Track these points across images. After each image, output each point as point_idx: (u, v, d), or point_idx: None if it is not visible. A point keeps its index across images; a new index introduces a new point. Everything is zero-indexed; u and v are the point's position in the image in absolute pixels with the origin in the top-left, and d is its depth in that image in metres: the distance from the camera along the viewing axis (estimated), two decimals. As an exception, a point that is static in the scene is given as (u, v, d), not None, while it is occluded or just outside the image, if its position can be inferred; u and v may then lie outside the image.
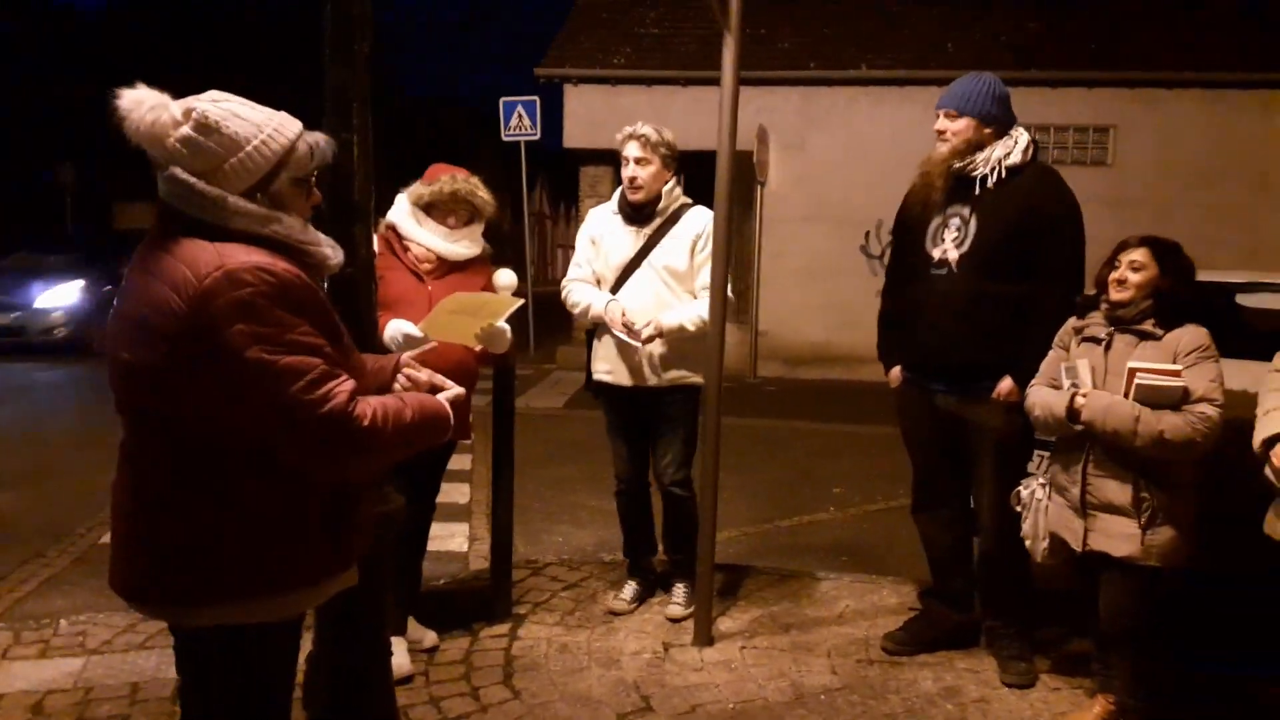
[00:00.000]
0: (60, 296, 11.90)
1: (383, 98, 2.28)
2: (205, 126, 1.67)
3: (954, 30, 12.64)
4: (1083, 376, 2.89)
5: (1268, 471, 2.58)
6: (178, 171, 1.68)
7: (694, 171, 7.63)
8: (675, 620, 3.75)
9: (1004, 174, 3.25)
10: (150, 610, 1.84)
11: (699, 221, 3.69)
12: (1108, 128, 11.96)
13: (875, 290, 3.74)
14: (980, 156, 3.27)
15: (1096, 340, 2.94)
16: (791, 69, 12.28)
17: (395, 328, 3.07)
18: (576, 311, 3.81)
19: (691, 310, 3.61)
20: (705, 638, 3.59)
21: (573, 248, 4.00)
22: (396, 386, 2.02)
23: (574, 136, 12.64)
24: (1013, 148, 3.28)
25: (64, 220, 19.80)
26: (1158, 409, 2.71)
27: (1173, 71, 11.73)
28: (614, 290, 3.72)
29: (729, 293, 3.55)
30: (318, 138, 1.83)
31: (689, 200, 3.79)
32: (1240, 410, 2.83)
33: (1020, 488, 3.15)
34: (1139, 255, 2.88)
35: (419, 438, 1.85)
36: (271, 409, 1.63)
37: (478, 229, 3.43)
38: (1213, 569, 3.29)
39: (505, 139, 12.54)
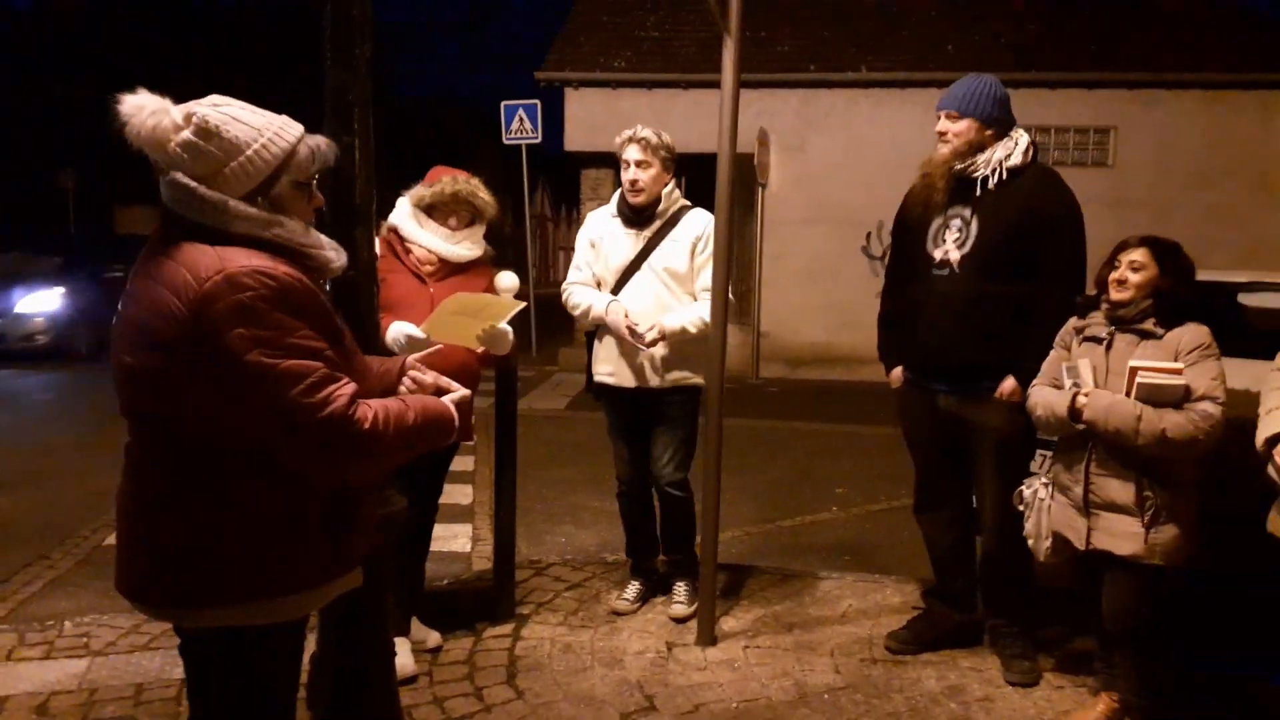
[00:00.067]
0: (41, 302, 11.62)
1: (382, 99, 2.29)
2: (206, 131, 1.68)
3: (954, 32, 12.65)
4: (1084, 376, 2.89)
5: (1270, 470, 2.59)
6: (179, 176, 1.69)
7: (695, 174, 7.63)
8: (679, 620, 3.75)
9: (1005, 175, 3.26)
10: (153, 611, 1.85)
11: (699, 224, 3.70)
12: (1108, 129, 11.97)
13: (876, 291, 3.74)
14: (981, 158, 3.28)
15: (1097, 340, 2.95)
16: (791, 71, 12.30)
17: (397, 330, 3.08)
18: (577, 313, 3.82)
19: (693, 312, 3.62)
20: (708, 637, 3.59)
21: (574, 250, 4.01)
22: (402, 389, 2.03)
23: (575, 140, 12.67)
24: (1013, 149, 3.28)
25: (66, 223, 19.83)
26: (1160, 407, 2.71)
27: (1173, 72, 11.74)
28: (614, 293, 3.72)
29: (729, 294, 3.56)
30: (319, 141, 1.83)
31: (688, 202, 3.80)
32: (1242, 409, 2.83)
33: (1023, 487, 3.15)
34: (1139, 255, 2.88)
35: (422, 440, 1.85)
36: (272, 412, 1.64)
37: (479, 231, 3.44)
38: (1215, 568, 3.30)
39: (506, 142, 12.56)
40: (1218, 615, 3.63)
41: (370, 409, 1.72)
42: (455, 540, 5.12)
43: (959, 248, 3.30)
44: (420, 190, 3.36)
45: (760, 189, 12.07)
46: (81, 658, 3.45)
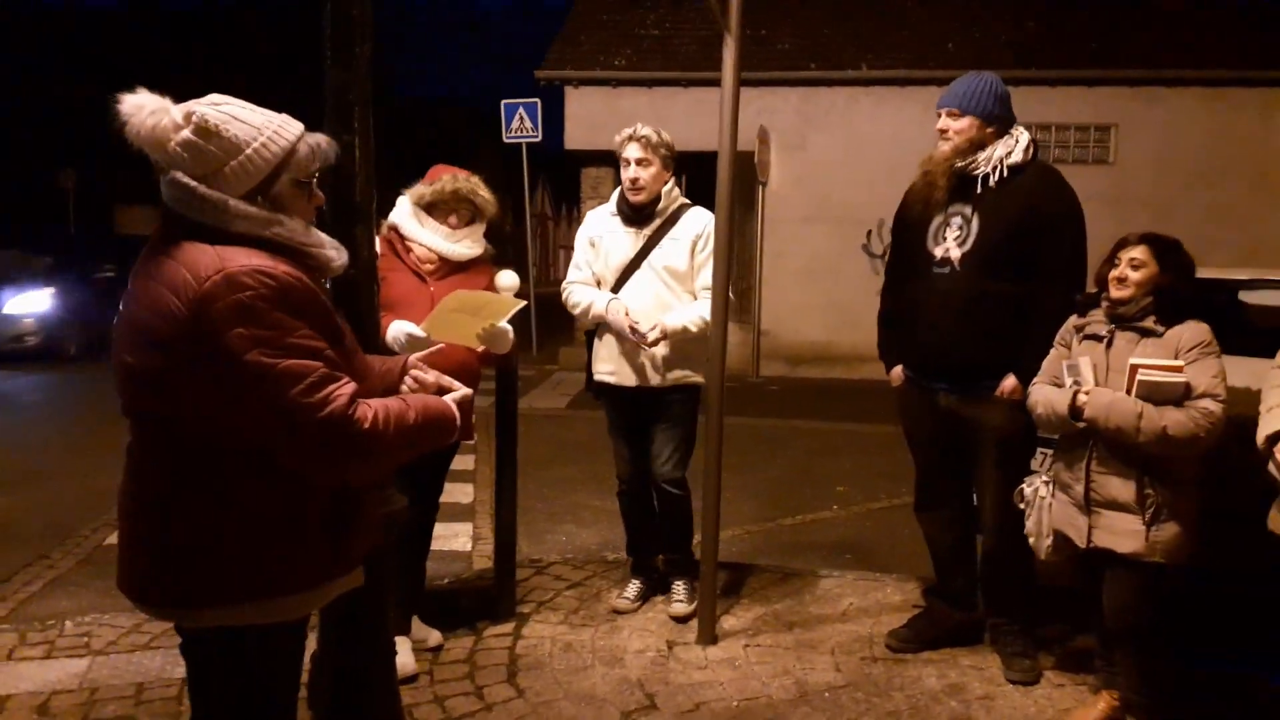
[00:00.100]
0: (30, 303, 11.42)
1: (382, 99, 2.29)
2: (205, 130, 1.68)
3: (954, 30, 12.64)
4: (1085, 374, 2.89)
5: (1271, 468, 2.59)
6: (179, 175, 1.69)
7: (695, 173, 7.61)
8: (679, 618, 3.75)
9: (1005, 173, 3.26)
10: (153, 611, 1.85)
11: (698, 222, 3.70)
12: (1109, 126, 11.96)
13: (876, 290, 3.74)
14: (982, 156, 3.28)
15: (1098, 338, 2.95)
16: (792, 69, 12.29)
17: (398, 328, 3.08)
18: (577, 312, 3.82)
19: (694, 311, 3.62)
20: (709, 636, 3.59)
21: (574, 249, 4.00)
22: (403, 388, 2.03)
23: (575, 138, 12.66)
24: (1014, 147, 3.28)
25: (66, 223, 19.82)
26: (1160, 405, 2.71)
27: (1173, 70, 11.73)
28: (614, 291, 3.72)
29: (729, 293, 3.56)
30: (319, 139, 1.83)
31: (687, 201, 3.80)
32: (1243, 407, 2.83)
33: (1023, 485, 3.15)
34: (1139, 253, 2.88)
35: (423, 440, 1.84)
36: (271, 412, 1.63)
37: (479, 229, 3.44)
38: (1216, 566, 3.30)
39: (507, 141, 12.56)
40: (1218, 613, 3.63)
41: (370, 408, 1.72)
42: (456, 539, 5.12)
43: (960, 245, 3.29)
44: (420, 188, 3.36)
45: (761, 187, 12.07)
46: (82, 657, 3.46)
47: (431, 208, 3.34)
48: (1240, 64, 11.70)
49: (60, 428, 7.86)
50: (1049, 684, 3.30)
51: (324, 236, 1.86)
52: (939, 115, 3.36)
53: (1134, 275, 2.87)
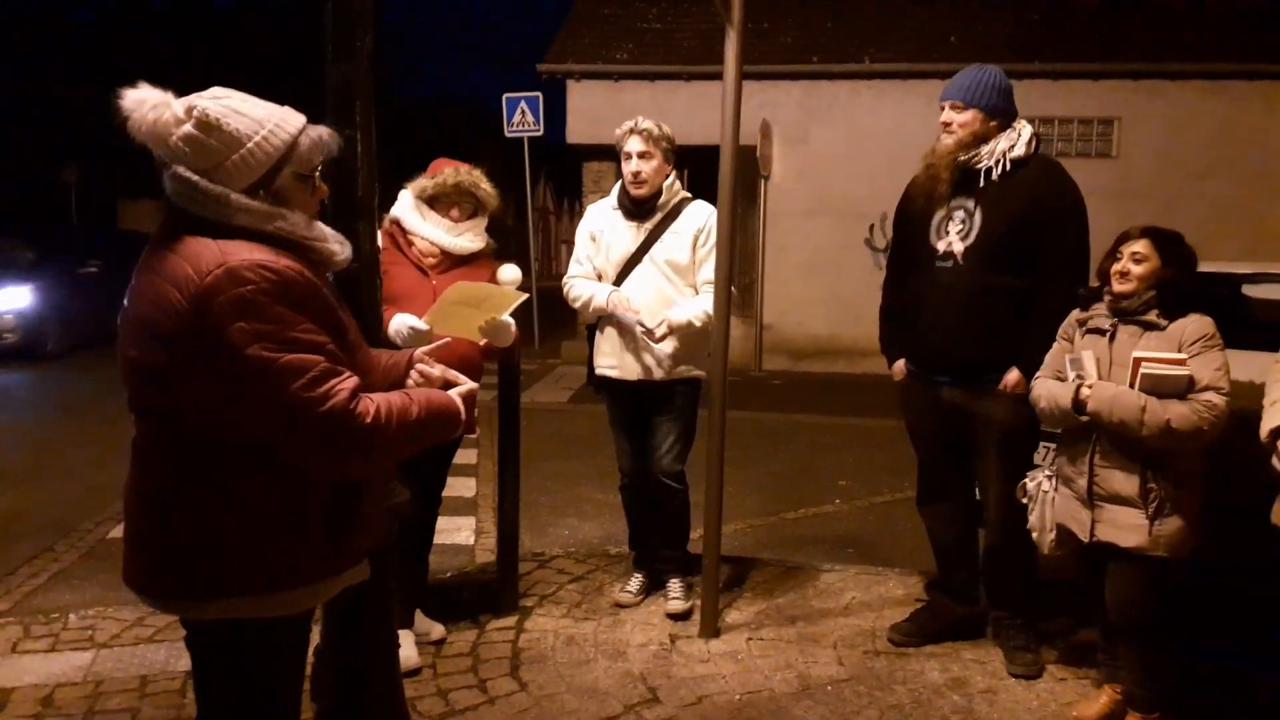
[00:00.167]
0: (9, 299, 10.93)
1: (382, 98, 2.28)
2: (206, 124, 1.68)
3: (956, 23, 12.60)
4: (1088, 368, 2.89)
5: (1275, 461, 2.59)
6: (181, 170, 1.68)
7: (697, 166, 7.60)
8: (676, 615, 3.73)
9: (1008, 167, 3.25)
10: (157, 604, 1.85)
11: (700, 216, 3.69)
12: (1112, 120, 11.92)
13: (879, 284, 3.73)
14: (985, 149, 3.27)
15: (1100, 332, 2.94)
16: (794, 63, 12.26)
17: (400, 322, 3.08)
18: (578, 306, 3.81)
19: (698, 305, 3.61)
20: (711, 629, 3.60)
21: (575, 243, 4.00)
22: (409, 383, 2.03)
23: (577, 132, 12.63)
24: (1016, 140, 3.28)
25: (70, 219, 19.83)
26: (1164, 398, 2.71)
27: (1177, 63, 11.68)
28: (615, 286, 3.71)
29: (732, 287, 3.55)
30: (321, 132, 1.82)
31: (689, 194, 3.79)
32: (1246, 401, 2.83)
33: (1026, 480, 3.15)
34: (1140, 247, 2.87)
35: (427, 434, 1.84)
36: (272, 407, 1.63)
37: (481, 223, 3.44)
38: (1219, 560, 3.30)
39: (508, 135, 12.53)
40: (1221, 608, 3.63)
41: (372, 403, 1.72)
42: (458, 533, 5.13)
43: (963, 239, 3.29)
44: (423, 182, 3.36)
45: (763, 181, 12.05)
46: (86, 650, 3.47)
47: (433, 201, 3.34)
48: (1243, 58, 11.66)
49: (55, 424, 7.87)
50: (1051, 678, 3.30)
51: (327, 230, 1.86)
52: (942, 108, 3.35)
53: (1136, 269, 2.86)
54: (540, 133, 12.51)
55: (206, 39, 24.63)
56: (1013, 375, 3.24)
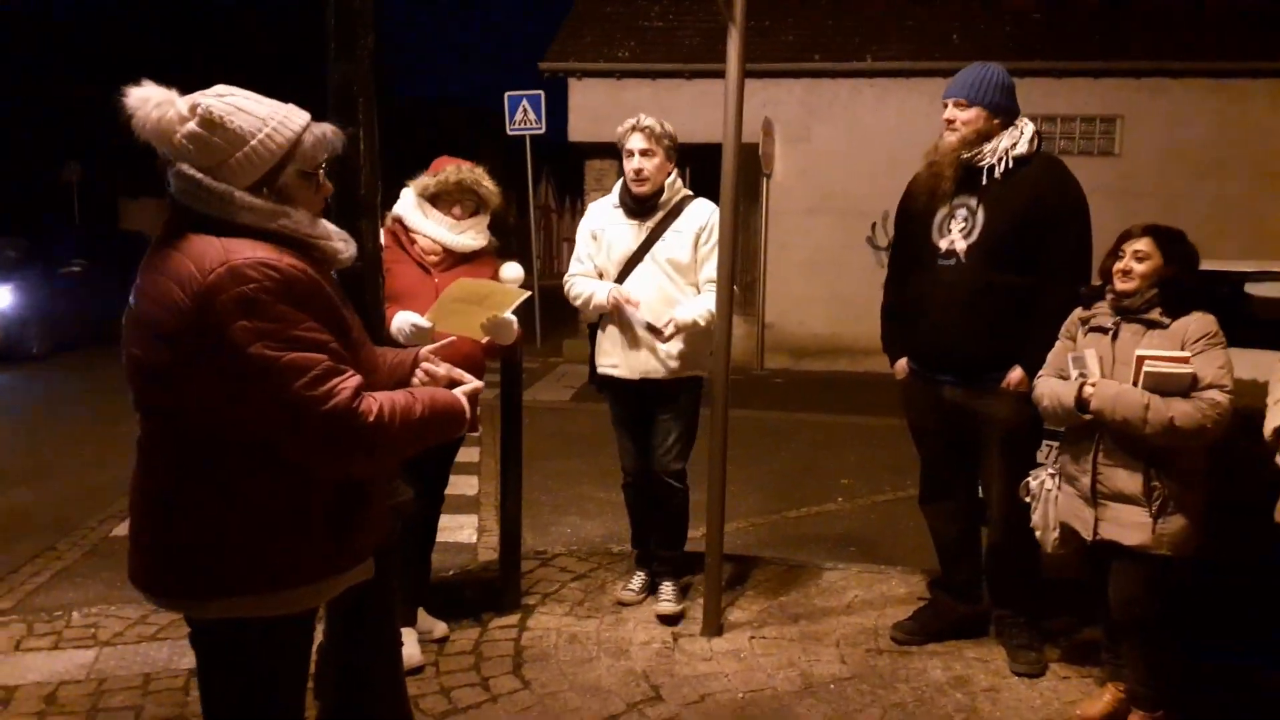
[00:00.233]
0: None
1: (383, 97, 2.29)
2: (210, 122, 1.67)
3: (958, 21, 12.58)
4: (1090, 366, 2.88)
5: (1279, 460, 2.58)
6: (185, 167, 1.68)
7: (699, 165, 7.58)
8: (666, 618, 3.69)
9: (1011, 165, 3.25)
10: (161, 602, 1.85)
11: (701, 214, 3.69)
12: (1114, 118, 11.90)
13: (881, 282, 3.72)
14: (988, 147, 3.27)
15: (1103, 330, 2.94)
16: (796, 60, 12.25)
17: (402, 319, 3.08)
18: (579, 303, 3.81)
19: (703, 305, 3.61)
20: (714, 628, 3.60)
21: (575, 241, 3.99)
22: (415, 381, 2.02)
23: (579, 130, 12.63)
24: (1019, 138, 3.27)
25: (71, 218, 19.83)
26: (1167, 396, 2.70)
27: (1179, 61, 11.66)
28: (617, 284, 3.71)
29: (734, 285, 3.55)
30: (325, 129, 1.81)
31: (690, 192, 3.78)
32: (1249, 399, 2.83)
33: (1029, 478, 3.15)
34: (1143, 245, 2.87)
35: (431, 433, 1.84)
36: (275, 405, 1.63)
37: (483, 221, 3.44)
38: (1222, 558, 3.29)
39: (511, 133, 12.53)
40: (1225, 606, 3.63)
41: (375, 401, 1.71)
42: (461, 531, 5.13)
43: (965, 237, 3.28)
44: (425, 179, 3.37)
45: (765, 179, 12.04)
46: (90, 648, 3.47)
47: (436, 199, 3.34)
48: (1246, 55, 11.64)
49: (52, 425, 7.86)
50: (1054, 676, 3.30)
51: (331, 228, 1.85)
52: (945, 106, 3.34)
53: (1138, 267, 2.86)
54: (542, 131, 12.50)
55: (206, 39, 24.62)
56: (1015, 374, 3.23)
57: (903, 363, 3.57)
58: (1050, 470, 3.09)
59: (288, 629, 1.83)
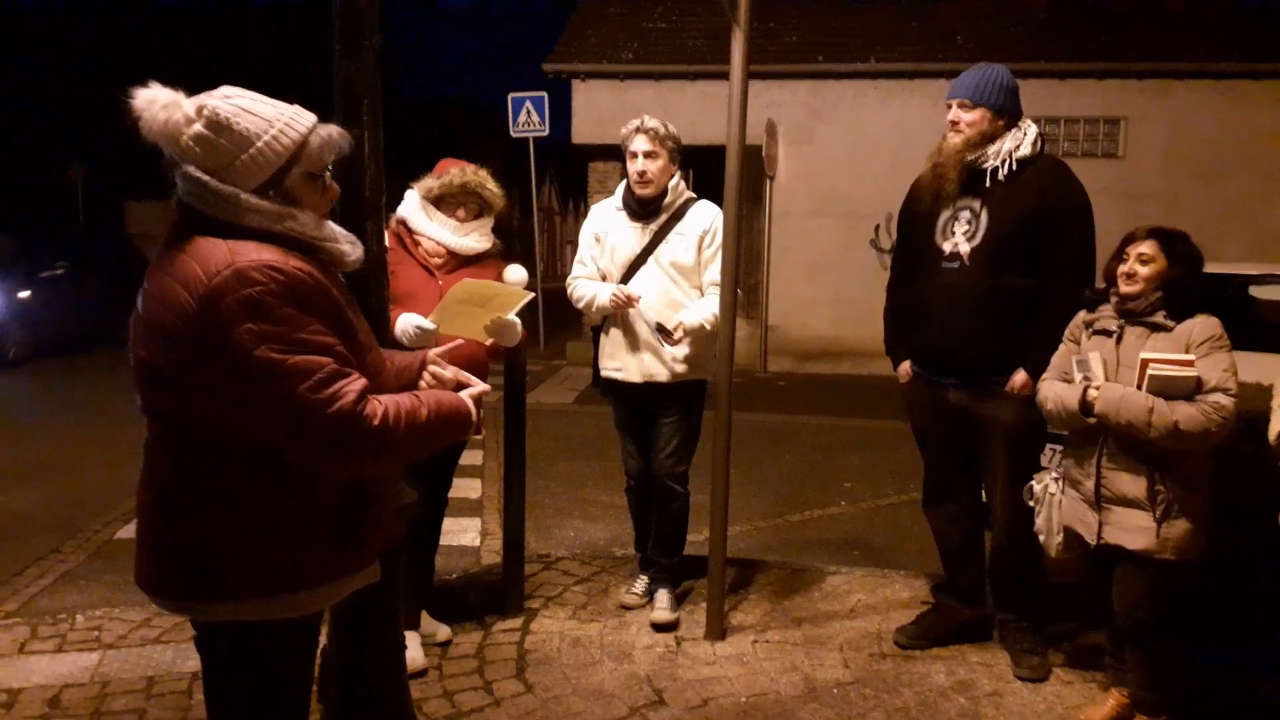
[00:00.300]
0: None
1: (386, 98, 2.29)
2: (216, 124, 1.67)
3: (963, 22, 12.59)
4: (1094, 369, 2.88)
5: (1282, 464, 2.57)
6: (192, 169, 1.68)
7: (702, 166, 7.56)
8: (661, 626, 3.65)
9: (1014, 167, 3.24)
10: (166, 604, 1.85)
11: (705, 217, 3.68)
12: (1118, 119, 11.90)
13: (884, 284, 3.72)
14: (991, 149, 3.26)
15: (1107, 333, 2.93)
16: (799, 62, 12.25)
17: (406, 321, 3.08)
18: (582, 306, 3.80)
19: (707, 308, 3.60)
20: (717, 631, 3.59)
21: (579, 244, 3.98)
22: (421, 384, 2.02)
23: (582, 132, 12.64)
24: (1022, 140, 3.27)
25: (76, 219, 19.88)
26: (1171, 400, 2.70)
27: (1184, 62, 11.66)
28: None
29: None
30: (331, 130, 1.81)
31: (694, 195, 3.78)
32: (1254, 403, 2.82)
33: (1033, 482, 3.14)
34: (1147, 248, 2.86)
35: (438, 435, 1.83)
36: (279, 408, 1.63)
37: (487, 223, 3.44)
38: (1227, 562, 3.28)
39: (514, 135, 12.54)
40: (1229, 610, 3.62)
41: (380, 405, 1.71)
42: (464, 534, 5.13)
43: (969, 240, 3.28)
44: (429, 182, 3.37)
45: (768, 181, 12.04)
46: (93, 651, 3.47)
47: (439, 201, 3.35)
48: (1250, 57, 11.63)
49: (51, 426, 7.87)
50: (1058, 681, 3.29)
51: (338, 230, 1.85)
52: (949, 107, 3.33)
53: (1143, 270, 2.85)
54: (545, 133, 12.51)
55: (206, 39, 24.66)
56: (1019, 377, 3.23)
57: (906, 366, 3.57)
58: (1054, 474, 3.08)
59: (293, 632, 1.83)
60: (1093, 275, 3.21)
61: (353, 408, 1.66)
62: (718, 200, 3.63)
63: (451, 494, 3.59)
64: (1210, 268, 2.96)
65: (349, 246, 1.85)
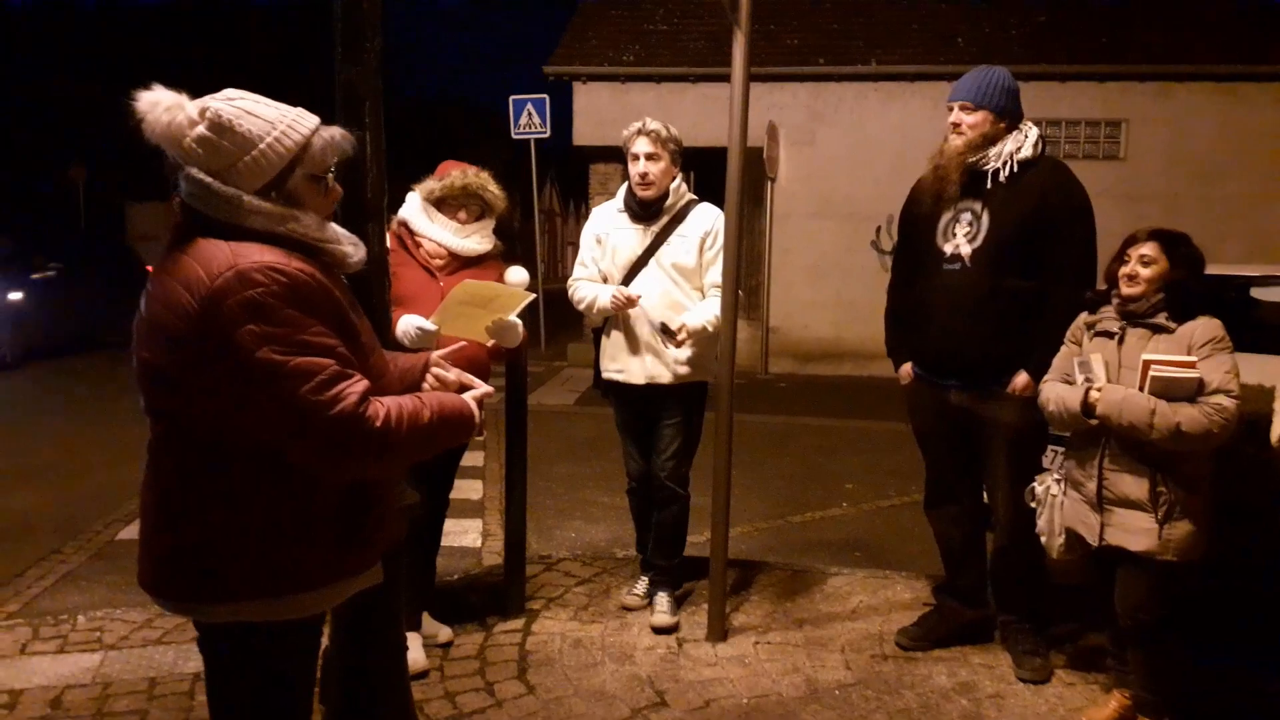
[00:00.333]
0: None
1: (386, 99, 2.29)
2: (219, 126, 1.68)
3: (963, 24, 12.59)
4: (1096, 371, 2.88)
5: (1284, 465, 2.57)
6: (194, 171, 1.68)
7: (703, 168, 7.57)
8: (660, 629, 3.65)
9: (1015, 169, 3.24)
10: (169, 605, 1.85)
11: (707, 219, 3.68)
12: (1119, 121, 11.90)
13: (885, 286, 3.72)
14: (993, 151, 3.26)
15: (1109, 335, 2.93)
16: (800, 64, 12.26)
17: (408, 322, 3.08)
18: (583, 308, 3.80)
19: (710, 310, 3.60)
20: (719, 633, 3.59)
21: (580, 245, 3.98)
22: (425, 387, 2.02)
23: (583, 134, 12.65)
24: (1023, 142, 3.27)
25: (78, 221, 19.89)
26: (1173, 401, 2.70)
27: (1184, 65, 11.66)
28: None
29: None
30: (334, 133, 1.81)
31: (695, 197, 3.78)
32: (1255, 405, 2.82)
33: (1035, 484, 3.14)
34: (1148, 250, 2.86)
35: (440, 437, 1.83)
36: (281, 410, 1.63)
37: (488, 225, 3.44)
38: (1229, 563, 3.28)
39: (515, 136, 12.56)
40: (1231, 611, 3.61)
41: (382, 407, 1.71)
42: (466, 535, 5.13)
43: (970, 242, 3.28)
44: (430, 184, 3.37)
45: (769, 183, 12.05)
46: (95, 652, 3.47)
47: (441, 203, 3.35)
48: (1251, 59, 11.63)
49: (51, 427, 7.87)
50: (1060, 682, 3.29)
51: (341, 232, 1.85)
52: (950, 109, 3.34)
53: (1144, 272, 2.85)
54: (547, 135, 12.52)
55: (206, 39, 24.67)
56: (1021, 378, 3.23)
57: (907, 367, 3.57)
58: (1056, 475, 3.08)
59: (295, 634, 1.83)
60: (1094, 277, 3.22)
61: (354, 409, 1.66)
62: (719, 202, 3.63)
63: (453, 495, 3.60)
64: (1212, 269, 2.96)
65: (351, 248, 1.85)
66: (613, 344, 3.75)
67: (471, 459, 5.69)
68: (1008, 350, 3.24)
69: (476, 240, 3.38)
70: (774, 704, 3.14)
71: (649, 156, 3.59)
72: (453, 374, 2.05)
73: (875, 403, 9.02)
